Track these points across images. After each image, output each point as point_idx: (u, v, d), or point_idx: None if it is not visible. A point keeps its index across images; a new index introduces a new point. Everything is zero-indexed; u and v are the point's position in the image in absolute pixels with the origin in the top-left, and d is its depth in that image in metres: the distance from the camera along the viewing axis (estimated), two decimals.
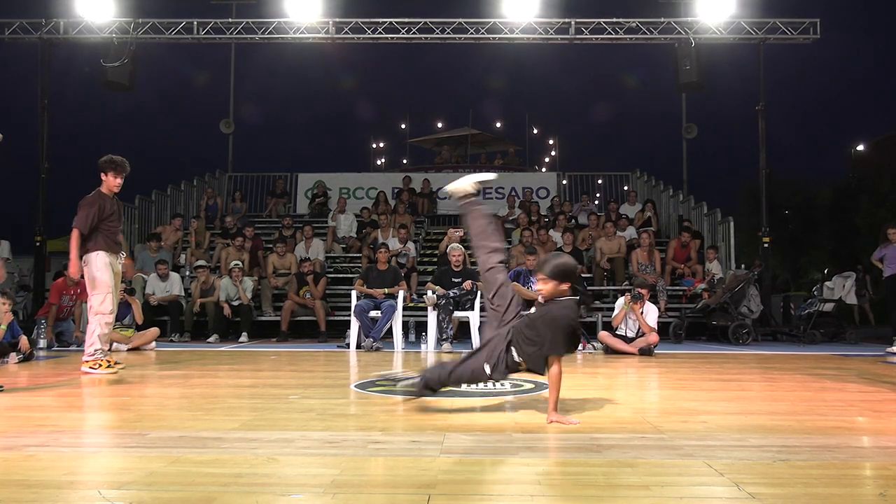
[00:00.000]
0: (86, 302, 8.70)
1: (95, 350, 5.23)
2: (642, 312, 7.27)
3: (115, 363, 5.57)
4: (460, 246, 8.32)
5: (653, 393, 4.58)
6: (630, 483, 2.07)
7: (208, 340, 9.09)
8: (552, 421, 3.03)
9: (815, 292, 10.46)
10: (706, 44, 11.75)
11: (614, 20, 11.62)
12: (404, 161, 29.35)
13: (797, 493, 1.96)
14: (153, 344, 7.89)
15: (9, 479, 2.10)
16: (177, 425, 3.04)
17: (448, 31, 11.80)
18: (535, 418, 3.19)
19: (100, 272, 5.27)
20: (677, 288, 10.55)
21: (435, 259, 11.42)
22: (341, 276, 11.25)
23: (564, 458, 2.42)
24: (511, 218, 12.80)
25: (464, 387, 4.39)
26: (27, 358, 6.21)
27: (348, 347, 7.93)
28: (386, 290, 8.34)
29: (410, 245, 11.15)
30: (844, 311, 11.09)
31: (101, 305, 5.31)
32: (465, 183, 3.48)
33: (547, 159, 34.77)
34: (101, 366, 5.17)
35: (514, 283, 5.45)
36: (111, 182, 5.40)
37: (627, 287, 9.27)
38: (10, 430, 2.97)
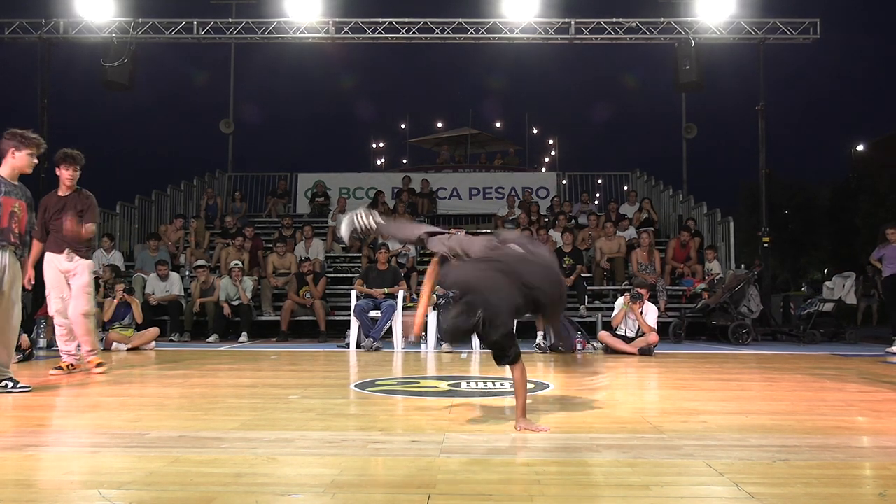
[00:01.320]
0: None
1: (61, 352, 5.26)
2: (642, 312, 7.27)
3: (99, 364, 5.30)
4: None
5: (653, 393, 4.58)
6: (630, 483, 2.07)
7: (208, 340, 9.09)
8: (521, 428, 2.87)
9: (805, 289, 10.47)
10: (706, 44, 11.75)
11: (614, 20, 11.61)
12: (404, 161, 29.38)
13: (797, 493, 1.96)
14: (153, 344, 7.88)
15: (9, 479, 2.10)
16: (176, 425, 3.04)
17: (448, 31, 11.80)
18: (535, 418, 3.19)
19: (44, 274, 5.17)
20: (677, 288, 10.55)
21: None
22: (341, 276, 11.25)
23: (564, 458, 2.42)
24: (511, 218, 12.80)
25: (463, 385, 4.40)
26: (27, 357, 6.21)
27: (348, 347, 7.93)
28: (386, 290, 8.34)
29: (410, 245, 11.15)
30: (845, 311, 11.08)
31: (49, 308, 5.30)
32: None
33: (547, 159, 34.81)
34: (60, 368, 5.14)
35: None
36: (63, 175, 5.19)
37: (627, 287, 9.26)
38: (10, 430, 2.97)
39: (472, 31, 11.77)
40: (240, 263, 9.79)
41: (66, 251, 5.18)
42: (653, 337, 7.17)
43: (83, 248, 5.29)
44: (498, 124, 37.39)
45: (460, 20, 11.76)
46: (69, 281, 5.24)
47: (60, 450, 2.55)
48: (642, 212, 12.67)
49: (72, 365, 5.21)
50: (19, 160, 4.23)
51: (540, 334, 7.61)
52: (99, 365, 5.26)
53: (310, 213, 14.18)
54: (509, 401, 3.82)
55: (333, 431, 2.89)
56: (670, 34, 11.67)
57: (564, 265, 10.27)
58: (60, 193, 5.25)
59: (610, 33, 11.67)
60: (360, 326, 7.99)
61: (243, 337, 9.21)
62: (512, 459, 2.38)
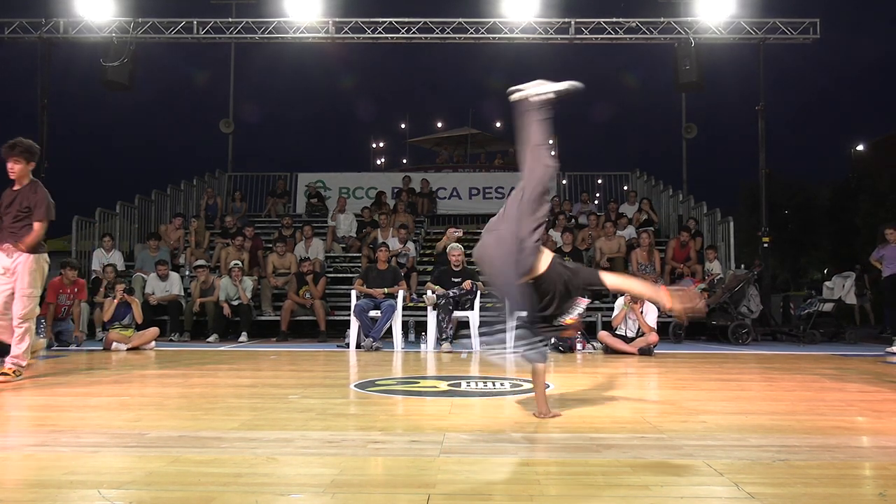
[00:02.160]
0: (84, 301, 8.73)
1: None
2: (642, 312, 7.27)
3: (3, 374, 4.60)
4: (459, 245, 8.31)
5: (653, 393, 4.58)
6: (630, 483, 2.07)
7: (208, 340, 9.09)
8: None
9: (808, 292, 10.47)
10: (706, 44, 11.75)
11: (614, 20, 11.62)
12: (404, 161, 29.41)
13: (797, 493, 1.96)
14: (153, 344, 7.88)
15: (9, 479, 2.10)
16: (176, 425, 3.04)
17: (448, 31, 11.80)
18: (535, 418, 3.19)
19: None
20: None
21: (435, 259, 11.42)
22: (341, 275, 11.25)
23: (564, 458, 2.42)
24: None
25: (463, 385, 4.40)
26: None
27: (348, 347, 7.93)
28: (385, 290, 8.34)
29: (410, 245, 11.15)
30: (844, 311, 11.08)
31: None
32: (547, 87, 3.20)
33: None
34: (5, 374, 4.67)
35: None
36: (8, 167, 4.76)
37: None
38: (10, 430, 2.97)
39: (472, 31, 11.79)
40: (240, 263, 9.79)
41: (6, 245, 4.78)
42: (653, 337, 7.17)
43: (24, 243, 4.77)
44: (498, 124, 37.39)
45: (460, 20, 11.77)
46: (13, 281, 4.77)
47: (60, 450, 2.55)
48: (642, 213, 12.68)
49: (18, 368, 4.72)
50: None
51: None
52: (3, 374, 4.53)
53: (305, 213, 14.20)
54: (509, 400, 3.82)
55: (333, 431, 2.89)
56: (670, 34, 11.68)
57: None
58: (14, 187, 4.87)
59: (610, 33, 11.68)
60: (359, 326, 7.99)
61: (243, 337, 9.21)
62: (512, 459, 2.38)
